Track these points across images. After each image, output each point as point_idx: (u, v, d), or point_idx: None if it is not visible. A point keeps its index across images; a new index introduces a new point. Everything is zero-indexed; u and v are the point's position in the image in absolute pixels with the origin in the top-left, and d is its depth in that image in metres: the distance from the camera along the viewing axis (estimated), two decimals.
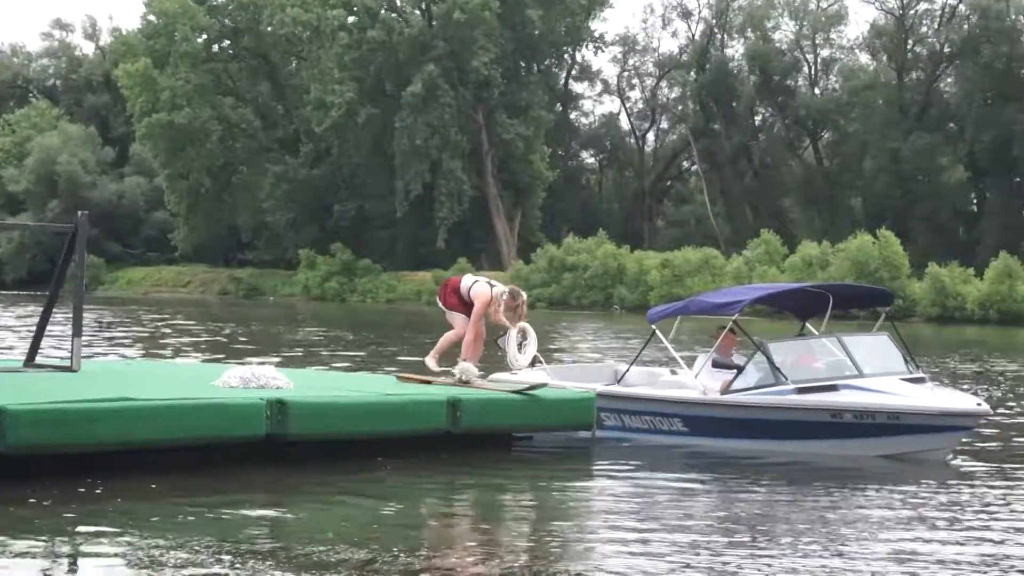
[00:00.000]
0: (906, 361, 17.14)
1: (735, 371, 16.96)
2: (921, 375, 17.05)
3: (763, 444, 16.46)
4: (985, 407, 16.36)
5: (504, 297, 17.03)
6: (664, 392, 17.53)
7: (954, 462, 16.19)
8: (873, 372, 16.45)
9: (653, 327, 18.23)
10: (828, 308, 18.45)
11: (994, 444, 18.09)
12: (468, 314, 17.09)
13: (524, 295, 17.68)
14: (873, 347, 17.19)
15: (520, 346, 17.24)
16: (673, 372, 18.93)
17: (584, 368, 20.08)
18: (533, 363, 17.75)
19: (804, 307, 19.17)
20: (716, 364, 17.31)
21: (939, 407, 15.98)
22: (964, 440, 16.85)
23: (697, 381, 17.14)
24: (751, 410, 16.53)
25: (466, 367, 16.73)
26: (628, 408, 17.41)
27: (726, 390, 16.73)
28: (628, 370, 18.38)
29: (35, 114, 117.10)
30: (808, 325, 19.00)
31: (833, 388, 16.26)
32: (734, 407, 16.65)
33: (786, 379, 16.37)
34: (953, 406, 16.15)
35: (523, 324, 17.29)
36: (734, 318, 17.51)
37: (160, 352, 31.60)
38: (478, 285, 17.21)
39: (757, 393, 16.54)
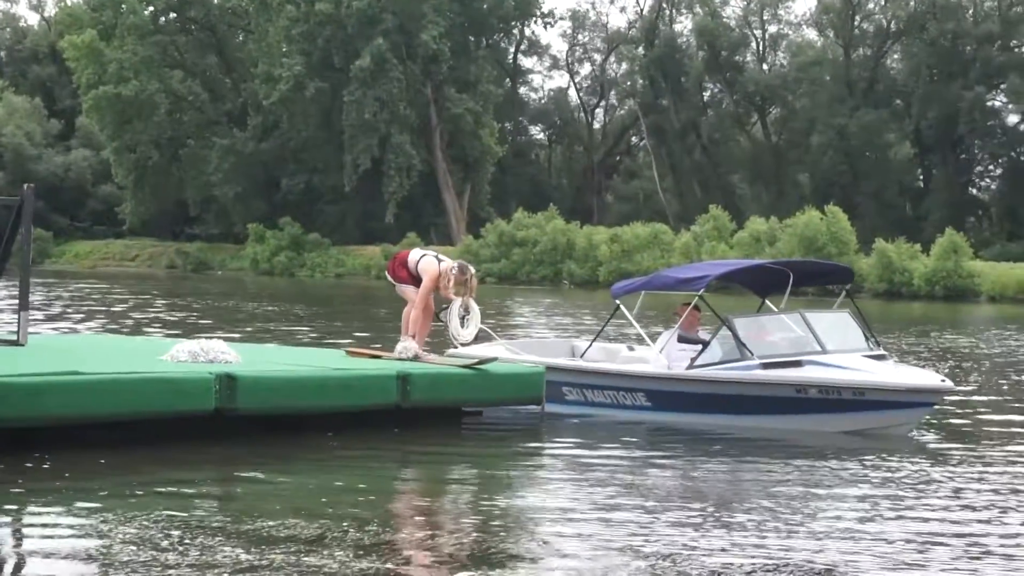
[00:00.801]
0: (867, 338, 17.28)
1: (700, 346, 17.03)
2: (882, 352, 17.18)
3: (727, 419, 16.56)
4: (949, 383, 16.58)
5: (453, 271, 16.96)
6: (629, 367, 17.61)
7: (917, 437, 16.32)
8: (836, 348, 16.57)
9: (617, 302, 18.29)
10: (788, 285, 18.53)
11: (956, 420, 18.24)
12: (418, 287, 17.04)
13: (472, 269, 17.64)
14: (835, 324, 17.32)
15: (463, 320, 17.15)
16: (630, 348, 19.03)
17: (541, 343, 20.13)
18: (478, 338, 17.74)
19: (764, 284, 19.24)
20: (681, 339, 17.37)
21: (904, 383, 16.14)
22: (927, 416, 16.98)
23: (661, 356, 17.20)
24: (716, 385, 16.62)
25: (408, 345, 16.67)
26: (590, 383, 17.46)
27: (691, 365, 16.80)
28: (591, 345, 18.45)
29: None
30: (767, 302, 19.12)
31: (797, 364, 16.37)
32: (699, 382, 16.73)
33: (751, 354, 16.47)
34: (918, 382, 16.32)
35: (467, 298, 17.19)
36: (700, 294, 17.57)
37: (108, 326, 31.41)
38: (425, 259, 17.10)
39: (722, 368, 16.63)
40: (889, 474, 13.55)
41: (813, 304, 21.90)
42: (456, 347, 17.42)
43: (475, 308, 17.27)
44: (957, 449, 15.62)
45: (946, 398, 17.80)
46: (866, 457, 14.52)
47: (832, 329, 17.03)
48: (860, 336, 17.26)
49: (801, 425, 16.26)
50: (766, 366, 16.38)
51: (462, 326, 17.13)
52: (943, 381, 16.46)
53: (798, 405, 16.27)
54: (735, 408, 16.56)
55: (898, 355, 27.17)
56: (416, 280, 17.05)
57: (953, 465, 14.33)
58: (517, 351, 18.30)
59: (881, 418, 16.14)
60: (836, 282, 20.33)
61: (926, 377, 16.79)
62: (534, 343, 20.04)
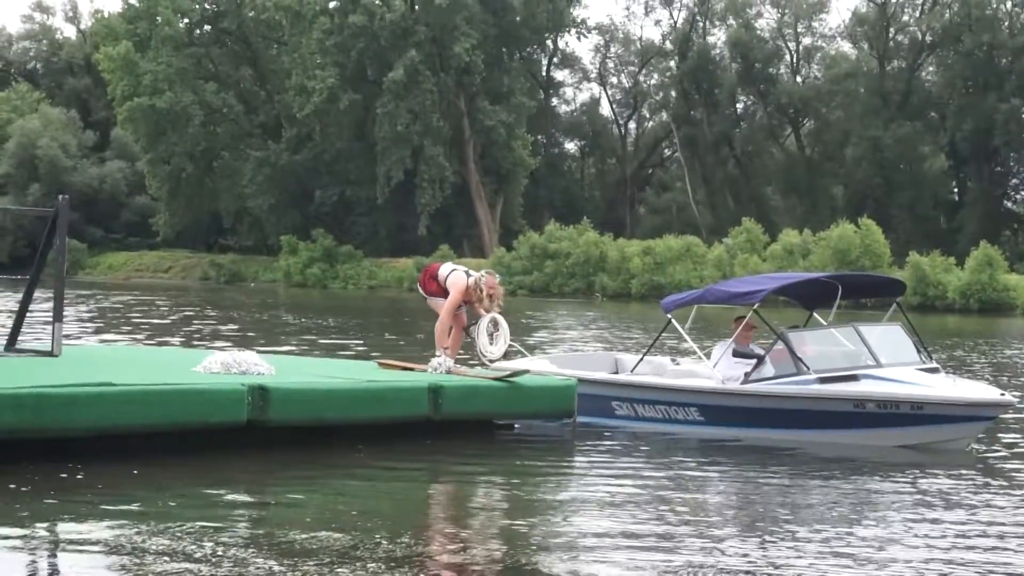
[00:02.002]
0: (918, 351, 17.17)
1: (754, 360, 16.96)
2: (935, 365, 17.08)
3: (782, 434, 16.48)
4: (1009, 398, 16.42)
5: (483, 281, 16.87)
6: (683, 381, 17.54)
7: (975, 452, 16.23)
8: (890, 362, 16.47)
9: (669, 316, 18.22)
10: (837, 298, 18.41)
11: (1013, 434, 18.10)
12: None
13: (497, 277, 17.55)
14: (888, 337, 17.20)
15: (491, 336, 17.07)
16: (675, 361, 18.95)
17: (584, 357, 20.06)
18: (508, 354, 17.70)
19: (812, 296, 19.14)
20: (736, 354, 17.28)
21: (964, 397, 16.01)
22: (985, 430, 16.82)
23: (716, 371, 17.13)
24: (774, 400, 16.53)
25: (441, 361, 16.65)
26: (642, 397, 17.42)
27: (746, 380, 16.73)
28: (642, 359, 18.39)
29: (15, 97, 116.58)
30: (815, 314, 19.04)
31: (854, 378, 16.27)
32: (756, 396, 16.63)
33: (808, 369, 16.38)
34: (977, 396, 16.18)
35: (494, 315, 17.08)
36: (755, 307, 17.50)
37: (141, 337, 31.52)
38: (455, 274, 17.02)
39: (778, 383, 16.55)
40: (947, 490, 13.43)
41: (856, 317, 21.77)
42: (486, 364, 17.35)
43: (503, 324, 17.16)
44: (1015, 464, 15.53)
45: (1004, 413, 17.61)
46: (924, 472, 14.42)
47: (885, 342, 16.91)
48: (912, 349, 17.14)
49: (858, 440, 16.15)
50: (823, 380, 16.28)
51: (491, 343, 17.05)
52: (1002, 395, 16.30)
53: (856, 419, 16.16)
54: (791, 422, 16.47)
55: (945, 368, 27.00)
56: (446, 293, 17.00)
57: (1012, 480, 14.24)
58: (560, 365, 18.29)
59: (939, 432, 16.02)
60: (887, 295, 20.20)
61: (985, 391, 16.62)
62: (577, 357, 19.97)
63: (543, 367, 17.84)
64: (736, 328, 17.74)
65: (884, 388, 16.04)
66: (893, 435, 16.10)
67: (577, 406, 16.98)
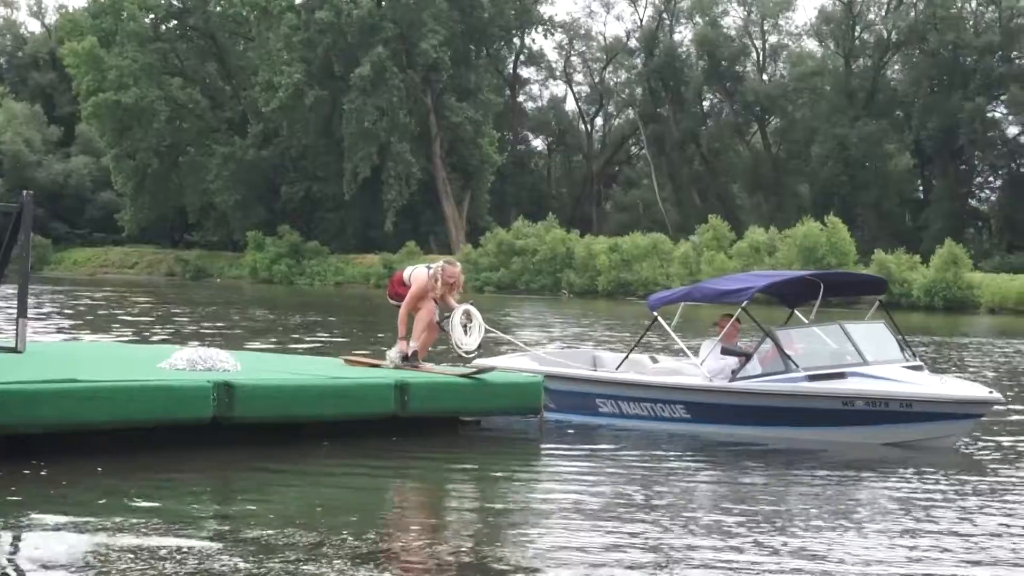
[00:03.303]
0: (902, 348, 17.21)
1: (742, 358, 16.99)
2: (919, 363, 17.13)
3: (770, 431, 16.50)
4: (996, 395, 16.46)
5: (441, 270, 16.82)
6: (670, 379, 17.55)
7: (963, 449, 16.28)
8: (876, 360, 16.51)
9: (655, 314, 18.20)
10: (819, 295, 18.45)
11: (999, 431, 18.13)
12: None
13: (458, 265, 17.52)
14: (872, 335, 17.21)
15: (465, 328, 17.07)
16: (654, 359, 18.95)
17: (562, 354, 20.05)
18: (480, 346, 17.65)
19: (794, 294, 19.16)
20: (724, 351, 17.28)
21: (953, 395, 16.05)
22: (973, 428, 16.85)
23: (703, 368, 17.15)
24: (763, 397, 16.53)
25: (394, 354, 16.70)
26: (627, 395, 17.39)
27: (734, 377, 16.76)
28: (627, 356, 18.39)
29: None
30: (796, 312, 19.06)
31: (841, 376, 16.30)
32: (745, 394, 16.65)
33: (796, 367, 16.40)
34: (966, 394, 16.23)
35: (467, 306, 17.10)
36: (743, 305, 17.51)
37: (107, 333, 31.39)
38: (416, 271, 17.11)
39: (767, 380, 16.56)
40: (934, 487, 13.48)
41: (830, 317, 21.81)
42: (463, 356, 17.31)
43: (477, 315, 17.14)
44: (1001, 461, 15.61)
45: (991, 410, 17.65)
46: (912, 469, 14.45)
47: (869, 340, 16.93)
48: (896, 347, 17.17)
49: (846, 437, 16.16)
50: (812, 378, 16.30)
51: (465, 334, 17.03)
52: (991, 393, 16.35)
53: (844, 417, 16.18)
54: (779, 420, 16.49)
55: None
56: None
57: (999, 477, 14.32)
58: (539, 362, 18.27)
59: (928, 430, 16.06)
60: (870, 293, 20.26)
61: (973, 389, 16.67)
62: (555, 353, 19.97)
63: (522, 364, 17.83)
64: (722, 326, 17.75)
65: (873, 386, 16.07)
66: (882, 433, 16.13)
67: (561, 403, 17.02)
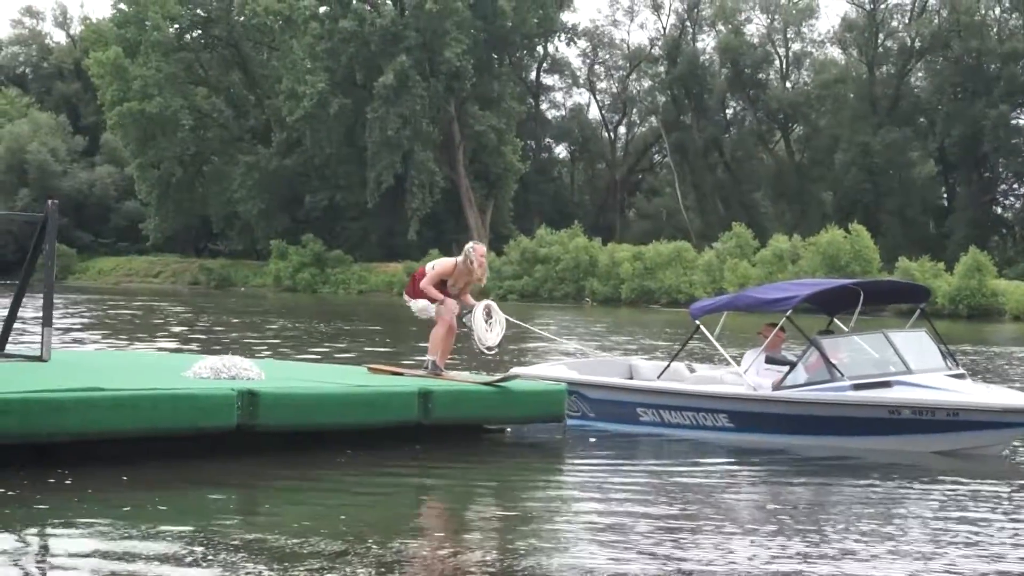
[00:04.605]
0: (944, 357, 17.16)
1: (787, 367, 16.95)
2: (961, 371, 17.08)
3: (814, 440, 16.42)
4: None
5: (471, 253, 16.79)
6: (713, 387, 17.50)
7: (1010, 458, 16.21)
8: (920, 368, 16.46)
9: (697, 323, 18.16)
10: (859, 304, 18.40)
11: None
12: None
13: (482, 245, 17.44)
14: (915, 343, 17.15)
15: (487, 323, 17.04)
16: (690, 368, 18.87)
17: (598, 362, 19.98)
18: (500, 342, 17.57)
19: (834, 303, 19.08)
20: (769, 360, 17.24)
21: (999, 403, 15.97)
22: (1019, 436, 16.75)
23: (747, 377, 17.11)
24: (809, 406, 16.44)
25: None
26: (669, 404, 17.32)
27: (778, 386, 16.73)
28: (668, 366, 18.34)
29: (4, 102, 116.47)
30: (836, 320, 19.01)
31: (887, 384, 16.22)
32: (790, 403, 16.56)
33: (842, 375, 16.32)
34: (1013, 403, 16.14)
35: (488, 302, 17.09)
36: (788, 314, 17.44)
37: (131, 342, 31.47)
38: (440, 261, 17.15)
39: (812, 389, 16.49)
40: (983, 496, 13.40)
41: (870, 324, 21.72)
42: (484, 351, 17.24)
43: (497, 311, 17.12)
44: None
45: None
46: (959, 478, 14.36)
47: (913, 349, 16.87)
48: (938, 356, 17.11)
49: (891, 446, 16.10)
50: (857, 387, 16.22)
51: (488, 329, 16.96)
52: None
53: (890, 426, 16.11)
54: (825, 429, 16.40)
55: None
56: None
57: None
58: (578, 370, 18.28)
59: (974, 438, 15.98)
60: (912, 301, 20.18)
61: (1020, 397, 16.59)
62: (592, 363, 19.90)
63: (560, 373, 17.83)
64: (767, 335, 17.71)
65: (919, 395, 16.00)
66: (928, 441, 16.04)
67: (601, 412, 17.02)
